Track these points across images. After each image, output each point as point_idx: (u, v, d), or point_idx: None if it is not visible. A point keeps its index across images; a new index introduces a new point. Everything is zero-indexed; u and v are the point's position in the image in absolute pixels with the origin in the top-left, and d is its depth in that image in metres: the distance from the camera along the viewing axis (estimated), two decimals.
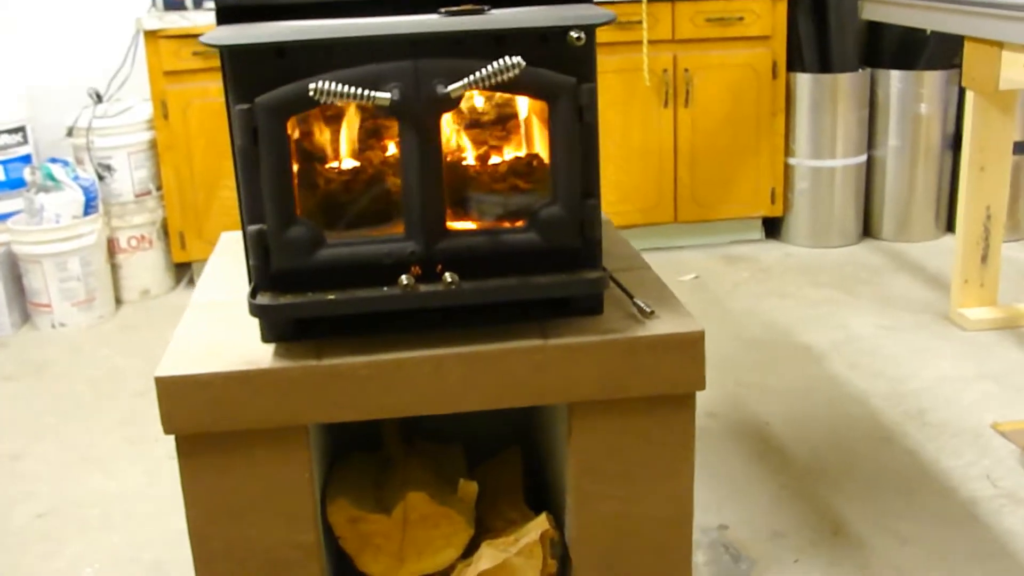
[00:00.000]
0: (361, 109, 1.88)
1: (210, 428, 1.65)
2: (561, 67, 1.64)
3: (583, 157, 1.69)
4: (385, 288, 1.66)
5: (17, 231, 3.53)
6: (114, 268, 3.78)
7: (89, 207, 3.58)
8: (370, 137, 1.89)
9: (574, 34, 1.61)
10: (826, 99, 3.98)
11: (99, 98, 3.83)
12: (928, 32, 4.00)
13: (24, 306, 3.65)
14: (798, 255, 4.05)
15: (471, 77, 1.54)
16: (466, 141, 1.89)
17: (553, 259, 1.71)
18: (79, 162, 3.72)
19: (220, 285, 2.03)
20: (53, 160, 3.60)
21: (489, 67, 1.53)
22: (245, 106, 1.58)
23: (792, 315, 3.36)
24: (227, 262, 2.16)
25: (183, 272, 4.07)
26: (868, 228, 4.21)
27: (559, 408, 1.86)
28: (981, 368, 2.91)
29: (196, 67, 3.62)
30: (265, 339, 1.72)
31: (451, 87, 1.55)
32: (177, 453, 1.69)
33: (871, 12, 3.47)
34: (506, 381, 1.68)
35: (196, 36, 3.58)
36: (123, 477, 2.54)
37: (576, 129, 1.67)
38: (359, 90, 1.51)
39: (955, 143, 4.09)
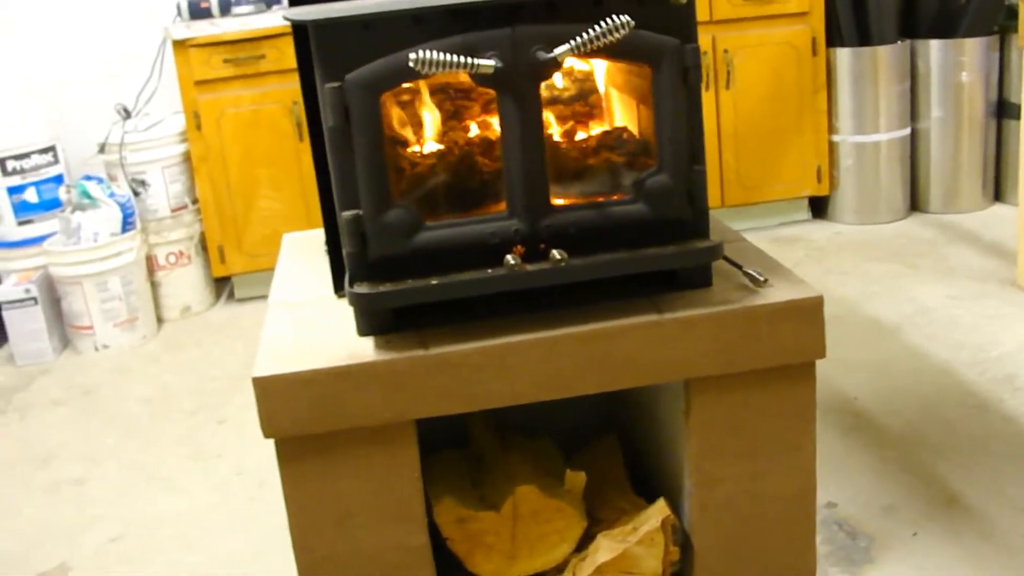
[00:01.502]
0: (438, 90, 1.80)
1: (313, 429, 1.57)
2: (660, 28, 1.57)
3: (688, 121, 1.61)
4: (489, 270, 1.58)
5: (55, 252, 3.45)
6: (153, 286, 3.70)
7: (127, 224, 3.50)
8: (451, 118, 1.82)
9: None
10: (867, 73, 3.89)
11: (127, 113, 3.76)
12: None
13: (63, 330, 3.57)
14: (848, 233, 3.96)
15: (578, 39, 1.46)
16: (551, 116, 1.81)
17: (661, 230, 1.63)
18: (112, 179, 3.64)
19: (295, 286, 1.94)
20: (87, 177, 3.52)
21: (597, 27, 1.45)
22: (336, 84, 1.50)
23: (857, 291, 3.27)
24: (295, 263, 2.08)
25: (222, 287, 3.99)
26: (915, 202, 4.12)
27: (668, 388, 1.78)
28: None
29: (228, 75, 3.54)
30: (362, 332, 1.64)
31: (557, 51, 1.47)
32: (278, 458, 1.60)
33: None
34: (623, 360, 1.60)
35: (227, 43, 3.51)
36: (192, 496, 2.45)
37: (682, 92, 1.59)
38: (463, 58, 1.43)
39: (999, 110, 4.01)
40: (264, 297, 3.88)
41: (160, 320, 3.72)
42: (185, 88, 3.56)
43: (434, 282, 1.57)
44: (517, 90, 1.52)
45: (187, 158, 3.70)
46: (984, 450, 2.23)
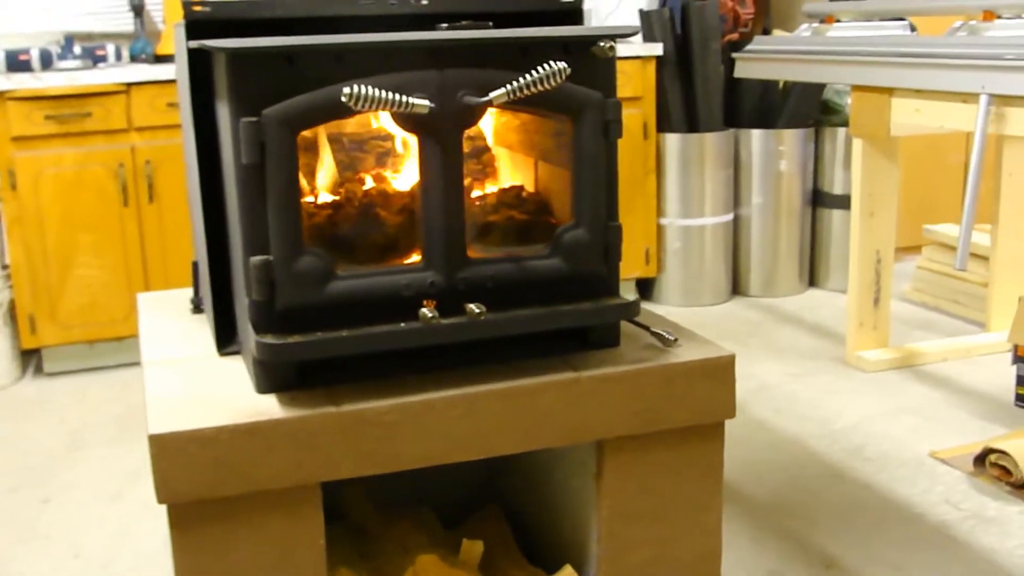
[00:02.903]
0: (335, 139, 1.73)
1: (214, 492, 1.44)
2: (583, 81, 1.55)
3: (607, 176, 1.60)
4: (403, 323, 1.50)
5: None
6: None
7: None
8: (347, 168, 1.75)
9: (604, 44, 1.53)
10: (694, 158, 4.04)
11: None
12: (780, 86, 4.15)
13: None
14: (676, 314, 4.05)
15: (515, 83, 1.42)
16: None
17: (575, 287, 1.60)
18: None
19: (166, 345, 1.80)
20: None
21: (534, 73, 1.42)
22: (252, 119, 1.41)
23: None
24: (159, 323, 1.94)
25: (28, 360, 3.68)
26: (736, 285, 4.27)
27: (569, 451, 1.73)
28: (895, 404, 2.95)
29: (50, 132, 3.31)
30: (262, 388, 1.52)
31: (493, 94, 1.43)
32: (170, 526, 1.45)
33: (748, 70, 3.55)
34: (543, 419, 1.54)
35: (51, 98, 3.30)
36: None
37: (602, 146, 1.57)
38: (398, 96, 1.37)
39: (814, 198, 4.23)
40: (79, 371, 3.64)
41: None
42: (1, 144, 3.31)
43: (345, 334, 1.48)
44: (442, 135, 1.47)
45: None
46: (849, 516, 2.28)
